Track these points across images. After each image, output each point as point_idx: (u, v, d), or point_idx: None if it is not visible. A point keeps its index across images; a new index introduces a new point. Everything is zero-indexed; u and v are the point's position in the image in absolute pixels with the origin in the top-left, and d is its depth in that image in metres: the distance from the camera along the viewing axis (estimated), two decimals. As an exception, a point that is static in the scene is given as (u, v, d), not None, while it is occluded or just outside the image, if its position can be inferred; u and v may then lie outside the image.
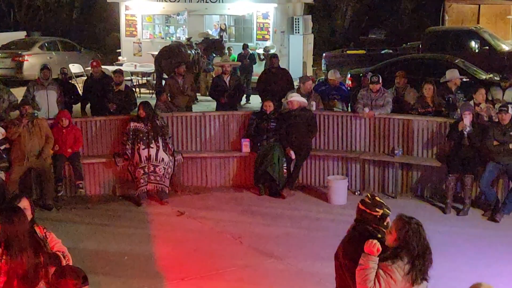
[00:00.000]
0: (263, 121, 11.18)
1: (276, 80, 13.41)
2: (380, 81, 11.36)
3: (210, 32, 21.90)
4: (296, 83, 14.09)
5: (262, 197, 10.98)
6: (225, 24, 22.47)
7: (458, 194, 10.42)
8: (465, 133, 9.91)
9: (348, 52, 21.85)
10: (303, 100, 11.08)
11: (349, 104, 12.62)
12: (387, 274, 4.66)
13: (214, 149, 11.62)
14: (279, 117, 11.18)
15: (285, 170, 10.90)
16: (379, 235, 4.92)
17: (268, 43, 21.33)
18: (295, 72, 18.43)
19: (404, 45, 22.58)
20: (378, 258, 4.71)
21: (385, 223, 4.98)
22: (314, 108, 11.51)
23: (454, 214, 10.11)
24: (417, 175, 10.95)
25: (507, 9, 24.08)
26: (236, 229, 9.56)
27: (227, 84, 12.81)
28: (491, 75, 15.72)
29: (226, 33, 22.31)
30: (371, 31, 28.75)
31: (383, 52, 20.97)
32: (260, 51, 20.42)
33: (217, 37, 21.54)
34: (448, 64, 14.76)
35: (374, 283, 4.65)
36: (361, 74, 15.54)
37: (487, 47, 18.90)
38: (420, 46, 20.20)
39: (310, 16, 23.39)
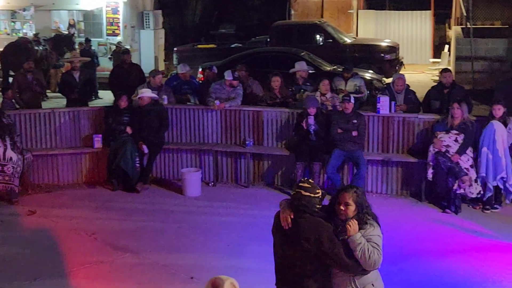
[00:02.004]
0: (115, 116, 11.11)
1: (128, 76, 13.37)
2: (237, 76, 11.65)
3: (60, 28, 21.40)
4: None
5: (116, 192, 10.93)
6: (73, 19, 22.00)
7: (307, 181, 10.84)
8: (311, 130, 10.34)
9: (199, 46, 22.03)
10: (154, 95, 11.14)
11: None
12: (376, 237, 5.05)
13: (65, 145, 11.42)
14: (131, 111, 11.16)
15: (138, 165, 10.90)
16: (319, 212, 5.20)
17: (119, 38, 21.10)
18: (147, 67, 18.31)
19: (253, 39, 23.05)
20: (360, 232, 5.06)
21: (322, 200, 5.26)
22: (165, 102, 11.58)
23: (303, 200, 10.51)
24: (268, 164, 11.29)
25: (348, 4, 25.20)
26: (90, 225, 9.47)
27: (77, 80, 12.65)
28: (334, 67, 16.44)
29: (75, 28, 21.85)
30: (221, 26, 29.09)
31: (233, 46, 21.32)
32: (113, 46, 20.18)
33: (67, 33, 21.09)
34: (294, 57, 15.29)
35: (378, 251, 5.00)
36: (203, 68, 15.73)
37: (331, 40, 19.72)
38: (268, 40, 20.73)
39: (160, 11, 23.38)
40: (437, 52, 24.17)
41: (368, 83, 14.61)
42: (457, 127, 9.79)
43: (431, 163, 9.82)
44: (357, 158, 10.32)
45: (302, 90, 11.74)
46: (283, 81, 11.81)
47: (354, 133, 10.27)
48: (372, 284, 5.15)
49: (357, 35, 24.18)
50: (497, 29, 24.04)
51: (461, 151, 9.67)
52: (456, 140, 9.74)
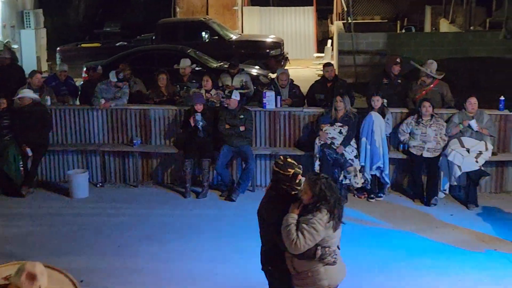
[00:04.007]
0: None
1: (8, 77, 12.95)
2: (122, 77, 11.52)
3: None
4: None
5: (-1, 197, 10.59)
6: None
7: (197, 178, 10.88)
8: (199, 127, 10.36)
9: (83, 45, 21.57)
10: (35, 96, 10.84)
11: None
12: (310, 226, 5.14)
13: None
14: (12, 114, 10.81)
15: (22, 168, 10.59)
16: (293, 192, 5.42)
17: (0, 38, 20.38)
18: (29, 67, 17.75)
19: (138, 37, 22.81)
20: (297, 215, 5.24)
21: (296, 181, 5.42)
22: (48, 102, 11.30)
23: (194, 197, 10.52)
24: (156, 163, 11.22)
25: (233, 1, 25.38)
26: (-27, 233, 9.14)
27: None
28: (221, 63, 16.52)
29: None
30: (105, 24, 28.62)
31: (118, 44, 21.01)
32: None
33: None
34: (180, 54, 15.27)
35: (298, 235, 5.13)
36: (87, 67, 15.44)
37: (217, 37, 19.80)
38: (154, 37, 20.58)
39: (41, 10, 22.75)
40: (320, 47, 24.70)
41: (255, 78, 14.79)
42: (340, 119, 10.07)
43: (317, 155, 10.05)
44: (245, 153, 10.43)
45: (185, 87, 11.75)
46: (169, 79, 11.77)
47: (242, 128, 10.38)
48: (309, 274, 5.29)
49: (242, 32, 24.38)
50: (377, 24, 24.90)
51: (345, 142, 9.95)
52: (340, 132, 10.01)
